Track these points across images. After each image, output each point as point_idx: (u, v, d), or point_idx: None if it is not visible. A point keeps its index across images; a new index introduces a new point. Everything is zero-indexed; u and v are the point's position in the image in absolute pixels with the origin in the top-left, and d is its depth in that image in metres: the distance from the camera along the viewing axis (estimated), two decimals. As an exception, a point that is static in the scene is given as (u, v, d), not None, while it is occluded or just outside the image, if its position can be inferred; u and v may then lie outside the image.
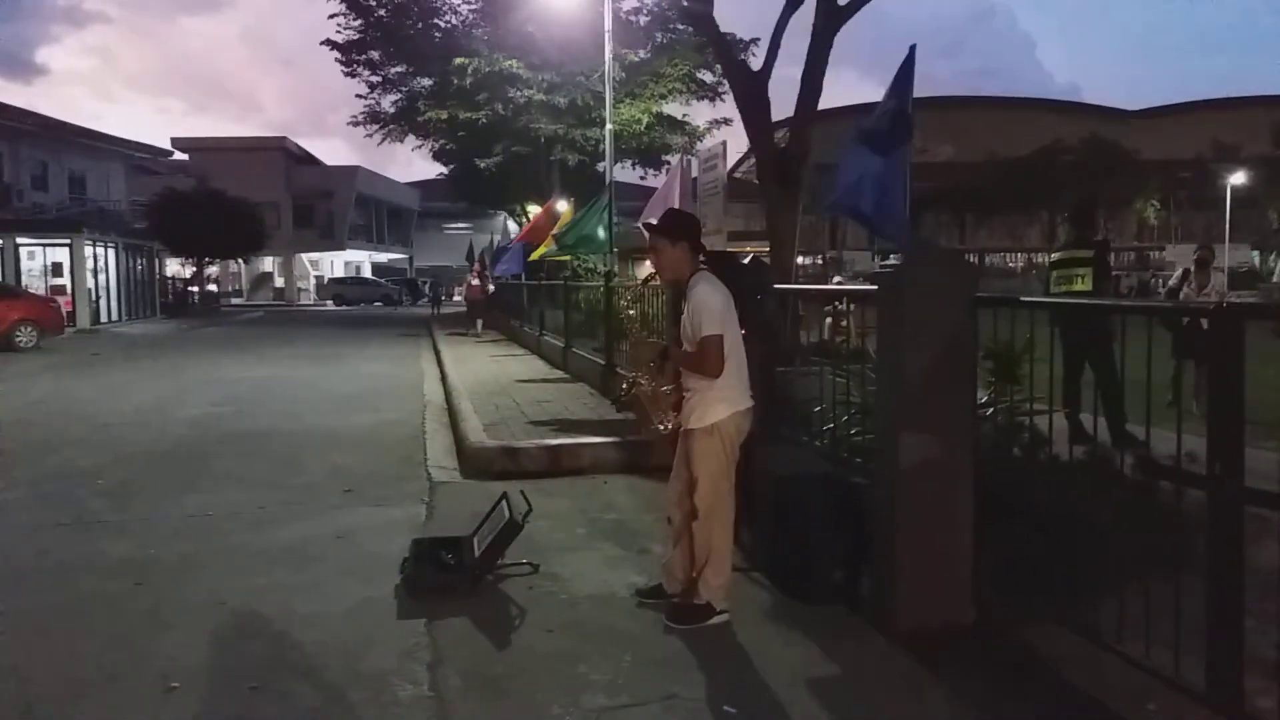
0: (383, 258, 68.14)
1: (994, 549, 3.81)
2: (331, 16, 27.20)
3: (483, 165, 27.15)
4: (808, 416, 5.35)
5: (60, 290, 27.38)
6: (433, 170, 38.28)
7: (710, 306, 3.89)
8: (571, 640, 3.87)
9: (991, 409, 4.47)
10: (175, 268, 46.55)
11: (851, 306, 6.16)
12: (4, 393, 12.85)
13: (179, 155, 48.37)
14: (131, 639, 3.93)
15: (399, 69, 28.63)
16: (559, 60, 24.31)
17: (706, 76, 26.64)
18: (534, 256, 18.08)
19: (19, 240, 27.55)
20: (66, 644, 3.89)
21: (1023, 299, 3.87)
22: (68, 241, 27.98)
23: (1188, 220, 55.40)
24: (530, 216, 23.89)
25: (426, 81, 27.81)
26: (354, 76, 28.69)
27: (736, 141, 12.82)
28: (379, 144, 32.98)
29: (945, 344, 3.79)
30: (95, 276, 29.16)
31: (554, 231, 15.96)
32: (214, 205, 37.06)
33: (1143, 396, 3.16)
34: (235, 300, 55.07)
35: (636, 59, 25.14)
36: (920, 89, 5.96)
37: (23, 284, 25.90)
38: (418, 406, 10.68)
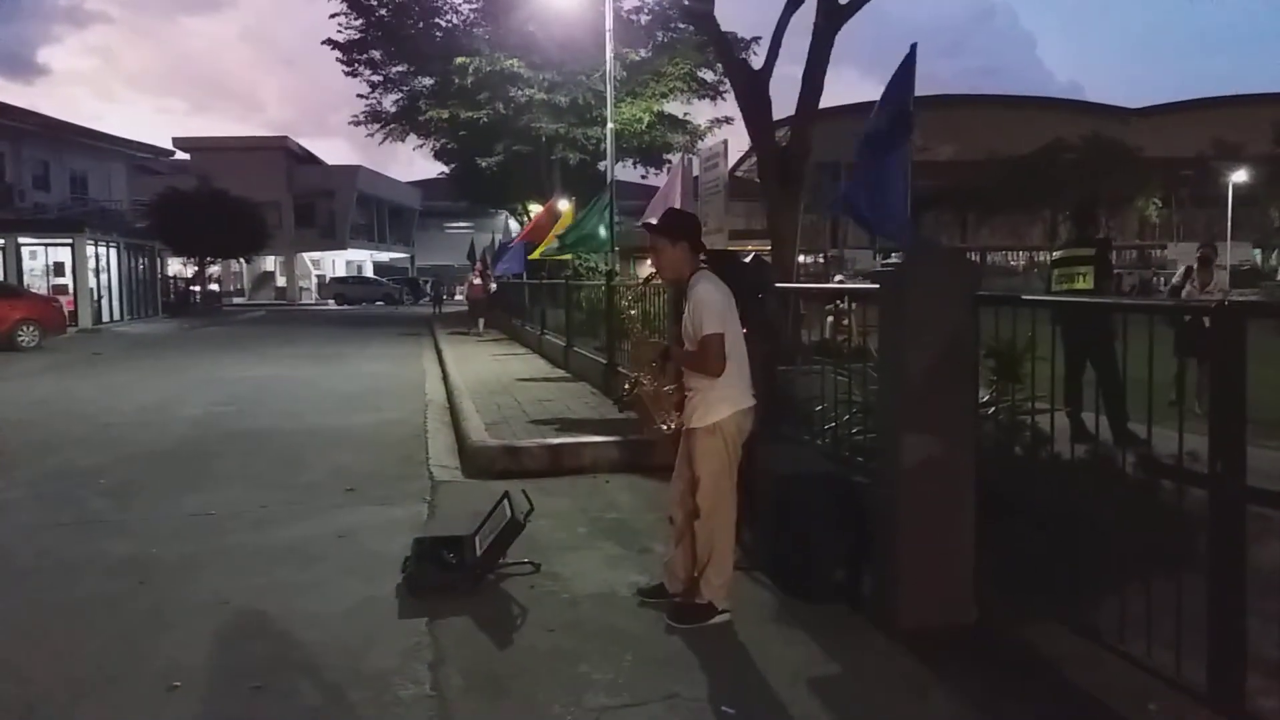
0: (384, 257, 68.17)
1: (995, 548, 3.81)
2: (333, 16, 27.24)
3: (484, 164, 27.16)
4: (809, 415, 5.34)
5: (62, 290, 27.41)
6: (434, 169, 38.35)
7: (710, 305, 3.89)
8: (573, 639, 3.87)
9: (993, 408, 4.47)
10: (177, 267, 46.60)
11: (853, 305, 6.16)
12: (6, 392, 12.87)
13: (180, 155, 48.37)
14: (133, 638, 3.93)
15: (400, 68, 28.64)
16: (560, 59, 24.30)
17: (708, 75, 26.62)
18: (535, 255, 18.10)
19: (21, 240, 27.58)
20: (68, 643, 3.89)
21: (1024, 297, 3.87)
22: (70, 241, 28.02)
23: (1189, 218, 55.35)
24: (531, 215, 23.90)
25: (428, 81, 27.82)
26: (355, 76, 28.72)
27: (738, 140, 12.82)
28: (380, 143, 33.11)
29: (947, 343, 3.79)
30: (97, 276, 29.18)
31: (557, 232, 15.97)
32: (216, 205, 37.07)
33: (1145, 395, 3.16)
34: (237, 300, 55.10)
35: (638, 58, 25.13)
36: (921, 88, 5.97)
37: (25, 284, 25.93)
38: (419, 405, 10.68)
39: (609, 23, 14.90)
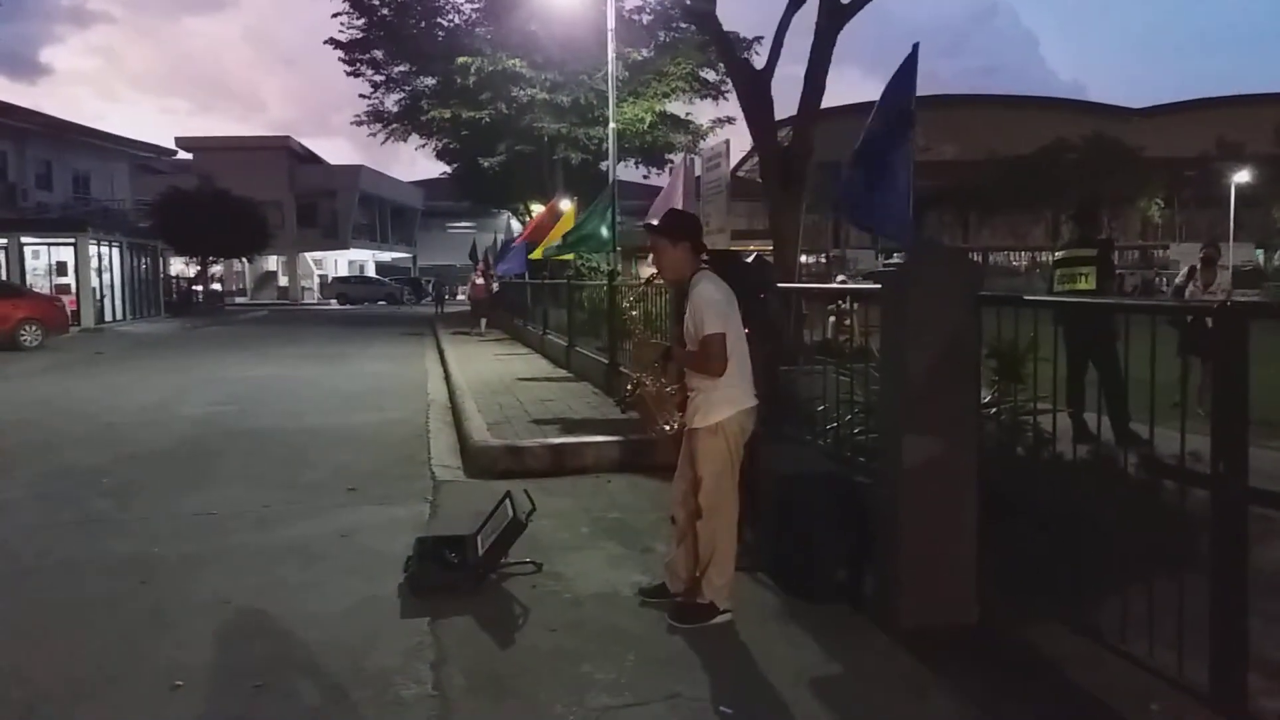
0: (386, 257, 68.22)
1: (997, 548, 3.80)
2: (335, 15, 27.26)
3: (486, 164, 27.15)
4: (811, 415, 5.34)
5: (65, 289, 27.45)
6: (436, 169, 38.39)
7: (711, 305, 3.89)
8: (575, 639, 3.87)
9: (995, 408, 4.47)
10: (179, 267, 46.66)
11: (855, 305, 6.16)
12: (8, 392, 12.89)
13: (183, 155, 48.45)
14: (134, 638, 3.93)
15: (402, 68, 28.63)
16: (562, 59, 24.30)
17: (710, 75, 26.60)
18: (536, 255, 18.10)
19: (24, 240, 27.63)
20: (70, 643, 3.90)
21: (1026, 298, 3.87)
22: (72, 241, 28.06)
23: (1192, 218, 55.34)
24: (533, 215, 23.90)
25: (430, 81, 27.82)
26: (357, 76, 28.71)
27: (740, 140, 12.81)
28: (382, 143, 33.04)
29: (949, 343, 3.79)
30: (100, 276, 29.20)
31: (562, 232, 15.96)
32: (218, 204, 37.10)
33: (1147, 395, 3.15)
34: (239, 299, 55.13)
35: (639, 58, 25.13)
36: (923, 87, 5.95)
37: (27, 283, 25.97)
38: (421, 405, 10.69)
39: (611, 22, 14.90)
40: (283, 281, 58.30)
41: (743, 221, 37.71)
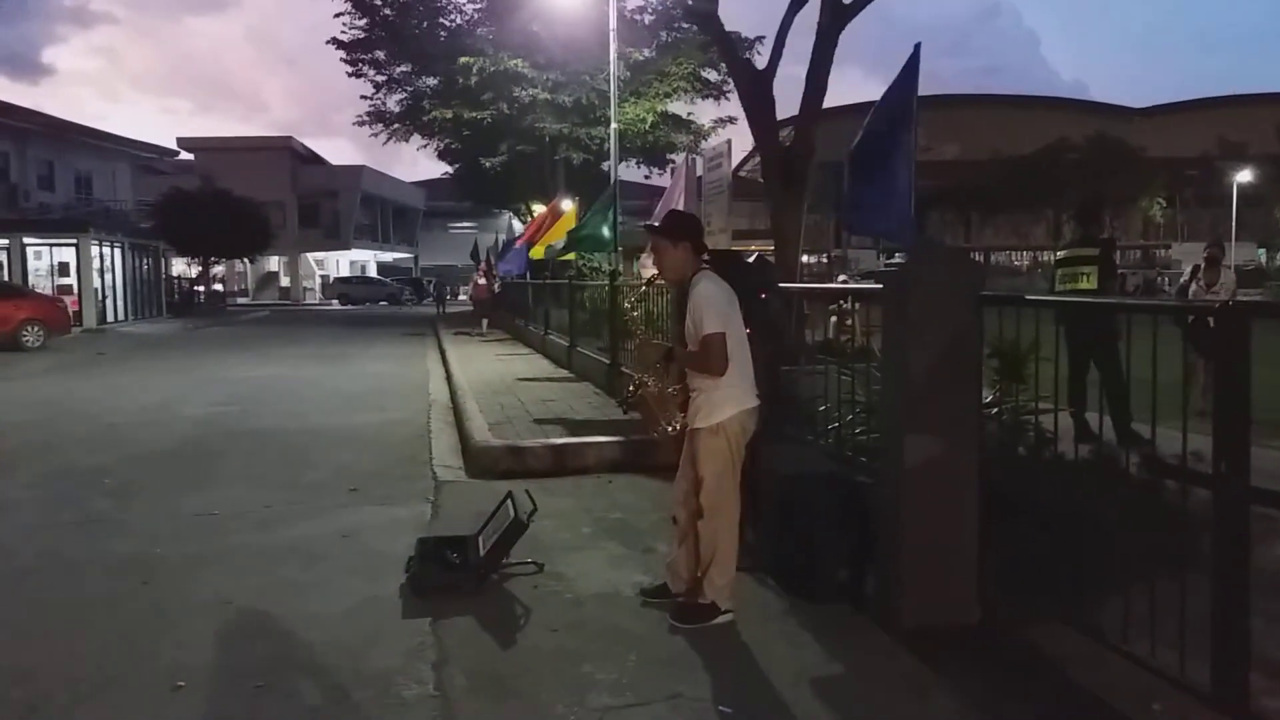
0: (388, 257, 68.25)
1: (999, 548, 3.80)
2: (337, 15, 27.32)
3: (488, 164, 27.17)
4: (813, 415, 5.34)
5: (66, 290, 27.45)
6: (438, 169, 38.41)
7: (711, 305, 3.89)
8: (576, 639, 3.87)
9: (996, 408, 4.46)
10: (181, 267, 46.70)
11: (856, 305, 6.16)
12: (10, 392, 12.91)
13: (185, 155, 48.46)
14: (135, 638, 3.93)
15: (404, 68, 28.68)
16: (564, 59, 24.32)
17: (711, 75, 26.63)
18: (537, 255, 18.10)
19: (26, 240, 27.65)
20: (70, 643, 3.90)
21: (1028, 297, 3.86)
22: (74, 241, 28.08)
23: (1194, 218, 55.31)
24: (535, 215, 23.92)
25: (431, 81, 27.86)
26: (359, 76, 28.77)
27: (741, 140, 12.82)
28: (384, 143, 33.16)
29: (950, 343, 3.78)
30: (101, 276, 29.23)
31: (566, 230, 15.96)
32: (220, 205, 37.13)
33: (1149, 395, 3.15)
34: (241, 300, 55.16)
35: (641, 58, 25.15)
36: (925, 87, 5.94)
37: (29, 284, 25.99)
38: (423, 406, 10.69)
39: (613, 22, 14.91)
40: (284, 282, 58.34)
41: (744, 221, 37.70)
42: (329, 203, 57.45)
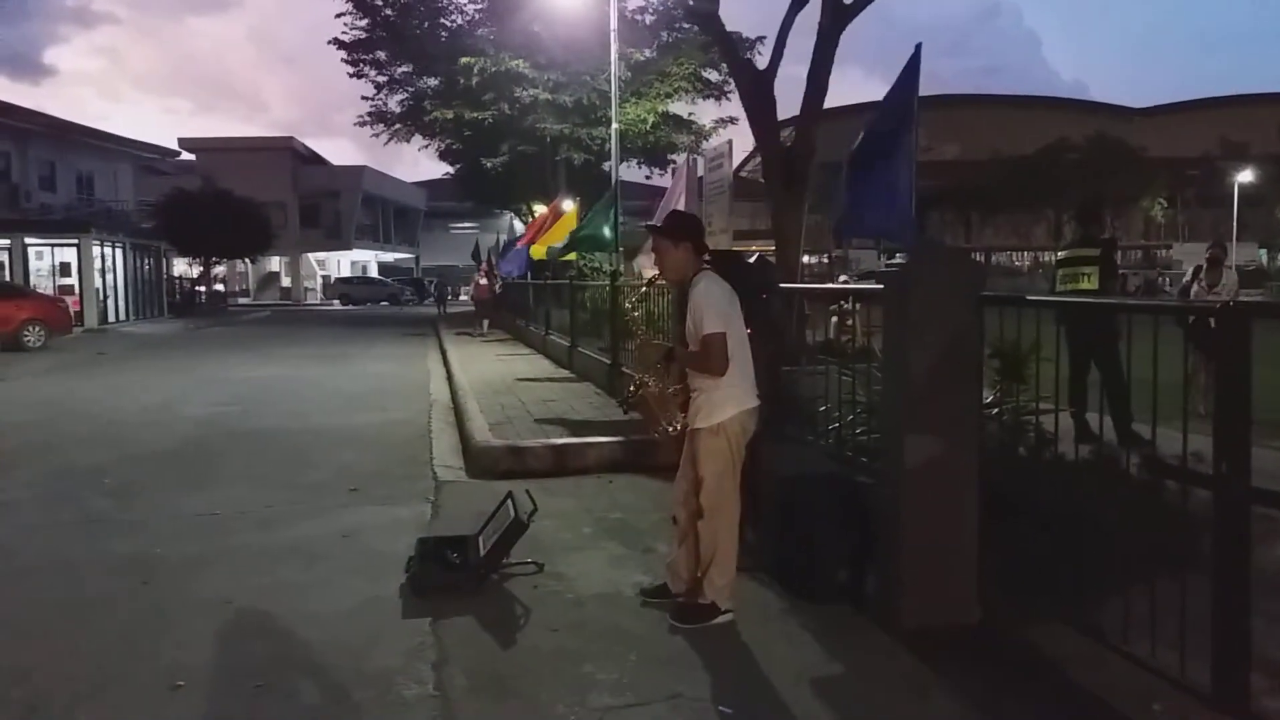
0: (389, 257, 68.27)
1: (999, 548, 3.80)
2: (338, 16, 27.33)
3: (489, 165, 27.18)
4: (813, 416, 5.34)
5: (68, 290, 27.48)
6: (439, 170, 38.40)
7: (712, 304, 3.89)
8: (576, 639, 3.87)
9: (997, 408, 4.46)
10: (182, 268, 46.73)
11: (857, 305, 6.15)
12: (11, 392, 12.92)
13: (186, 155, 48.45)
14: (136, 638, 3.94)
15: (405, 69, 28.70)
16: (565, 60, 24.33)
17: (712, 75, 26.63)
18: (539, 254, 18.10)
19: (27, 240, 27.68)
20: (72, 643, 3.90)
21: (1028, 298, 3.86)
22: (75, 242, 28.10)
23: (1195, 218, 55.30)
24: (536, 216, 23.92)
25: (433, 81, 27.88)
26: (360, 77, 28.78)
27: (742, 140, 12.85)
28: (385, 144, 33.15)
29: (951, 343, 3.78)
30: (103, 276, 29.26)
31: (567, 230, 15.97)
32: (221, 205, 37.16)
33: (1149, 396, 3.15)
34: (242, 300, 55.18)
35: (642, 58, 25.15)
36: (925, 87, 5.95)
37: (31, 284, 26.02)
38: (424, 406, 10.69)
39: (614, 23, 14.92)
40: (285, 282, 58.35)
41: (745, 222, 37.71)
42: (330, 203, 57.47)
